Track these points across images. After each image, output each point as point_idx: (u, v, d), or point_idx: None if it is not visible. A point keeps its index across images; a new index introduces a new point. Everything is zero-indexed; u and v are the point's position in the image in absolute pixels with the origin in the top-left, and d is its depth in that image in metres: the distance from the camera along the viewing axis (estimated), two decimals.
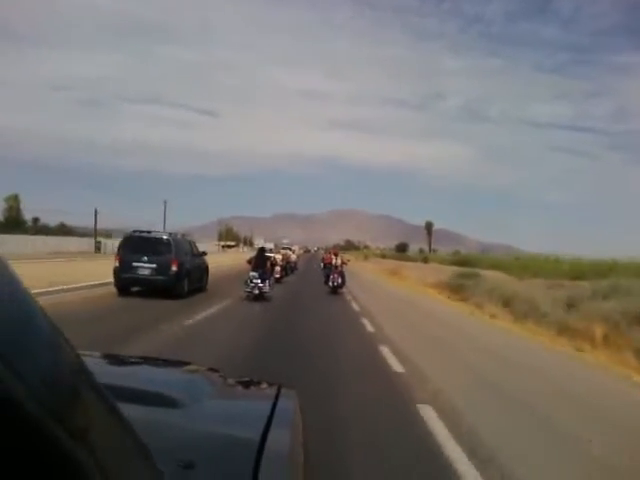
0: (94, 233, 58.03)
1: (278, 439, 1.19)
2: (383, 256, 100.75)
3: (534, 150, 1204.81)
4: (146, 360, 2.22)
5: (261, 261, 15.67)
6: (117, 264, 13.68)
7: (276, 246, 43.47)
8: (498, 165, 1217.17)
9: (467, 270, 30.75)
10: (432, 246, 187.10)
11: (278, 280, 23.51)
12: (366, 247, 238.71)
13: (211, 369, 1.84)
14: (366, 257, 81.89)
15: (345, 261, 21.12)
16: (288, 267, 29.20)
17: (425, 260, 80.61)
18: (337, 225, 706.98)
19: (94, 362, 1.53)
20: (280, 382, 1.70)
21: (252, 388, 1.85)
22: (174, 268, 13.71)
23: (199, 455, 0.96)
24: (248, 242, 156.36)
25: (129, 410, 0.84)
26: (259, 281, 14.93)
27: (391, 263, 56.69)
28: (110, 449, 0.52)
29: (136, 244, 13.91)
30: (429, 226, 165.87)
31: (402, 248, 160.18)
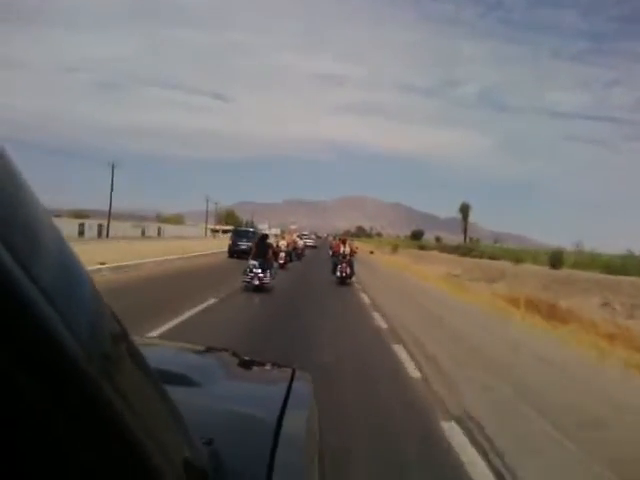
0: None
1: (294, 421, 1.20)
2: (421, 247, 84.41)
3: (551, 139, 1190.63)
4: (159, 342, 2.18)
5: (262, 249, 14.36)
6: (230, 242, 27.07)
7: (282, 232, 42.49)
8: (514, 154, 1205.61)
9: (564, 274, 26.75)
10: (442, 235, 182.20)
11: (282, 266, 22.51)
12: (378, 234, 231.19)
13: (224, 349, 1.87)
14: (395, 248, 62.94)
15: (354, 249, 19.34)
16: (294, 254, 28.18)
17: (464, 253, 65.52)
18: (347, 212, 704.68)
19: None
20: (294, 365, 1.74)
21: (266, 369, 1.87)
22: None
23: (218, 433, 0.96)
24: (249, 227, 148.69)
25: None
26: (259, 271, 13.65)
27: (427, 257, 47.73)
28: (150, 413, 0.53)
29: (238, 233, 26.42)
30: (465, 210, 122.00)
31: (417, 236, 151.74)
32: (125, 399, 0.46)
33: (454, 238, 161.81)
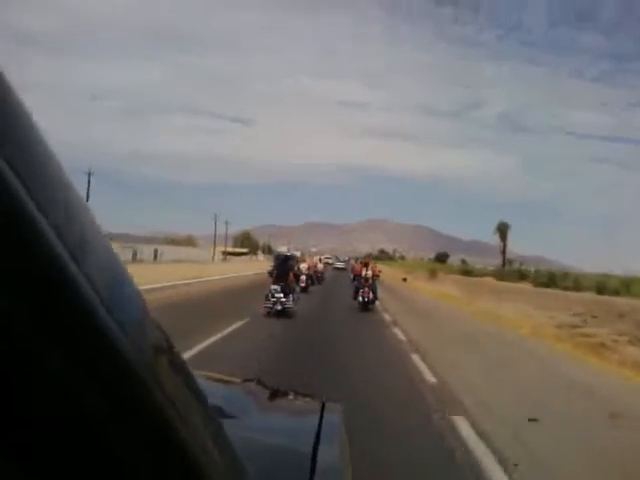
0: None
1: (329, 454, 1.20)
2: (466, 272, 72.13)
3: (572, 160, 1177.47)
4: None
5: (283, 272, 14.26)
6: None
7: (302, 255, 42.17)
8: (535, 176, 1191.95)
9: None
10: (465, 258, 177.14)
11: (304, 289, 22.34)
12: (402, 257, 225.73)
13: (250, 379, 1.85)
14: (433, 273, 50.15)
15: (377, 272, 18.57)
16: (315, 277, 28.12)
17: (543, 283, 51.27)
18: (369, 235, 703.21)
19: None
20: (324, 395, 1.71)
21: (296, 400, 1.85)
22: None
23: (256, 464, 0.93)
24: (266, 249, 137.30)
25: None
26: (281, 295, 13.53)
27: (484, 288, 34.72)
28: (191, 414, 0.52)
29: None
30: (503, 229, 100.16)
31: (442, 258, 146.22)
32: (174, 406, 0.45)
33: (477, 260, 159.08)
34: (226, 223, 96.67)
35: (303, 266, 24.08)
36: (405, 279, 46.10)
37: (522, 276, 57.66)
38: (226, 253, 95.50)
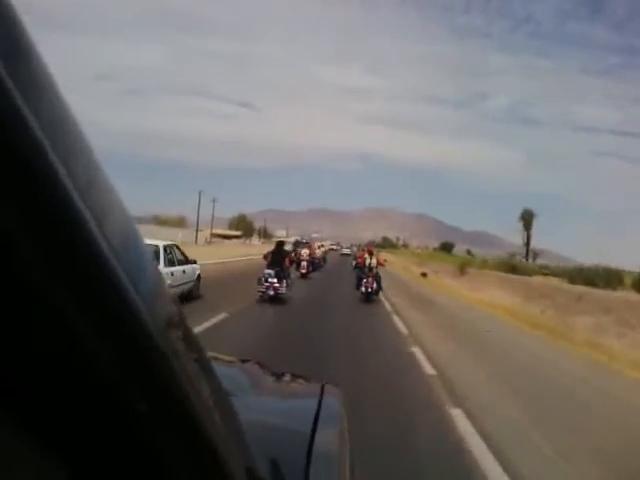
0: None
1: (327, 436, 1.20)
2: (512, 268, 45.76)
3: (579, 154, 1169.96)
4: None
5: (279, 257, 13.63)
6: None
7: (312, 240, 41.20)
8: (541, 168, 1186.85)
9: None
10: (468, 248, 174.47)
11: (304, 275, 21.76)
12: (405, 246, 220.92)
13: (248, 360, 1.86)
14: (463, 268, 38.55)
15: (382, 261, 17.21)
16: (314, 263, 27.37)
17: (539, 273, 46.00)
18: (372, 222, 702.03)
19: None
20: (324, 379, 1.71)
21: (295, 382, 1.85)
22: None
23: (253, 445, 0.91)
24: (262, 233, 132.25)
25: None
26: (275, 280, 13.01)
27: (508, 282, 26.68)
28: (202, 387, 0.53)
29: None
30: (528, 218, 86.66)
31: (447, 248, 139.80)
32: (186, 377, 0.44)
33: (479, 251, 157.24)
34: (213, 202, 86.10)
35: (304, 252, 23.27)
36: (425, 275, 36.50)
37: (588, 279, 36.15)
38: (212, 235, 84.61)
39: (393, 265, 47.80)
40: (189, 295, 12.04)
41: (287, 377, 1.84)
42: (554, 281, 33.28)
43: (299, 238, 55.51)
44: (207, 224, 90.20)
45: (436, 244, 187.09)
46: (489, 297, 20.74)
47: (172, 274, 10.69)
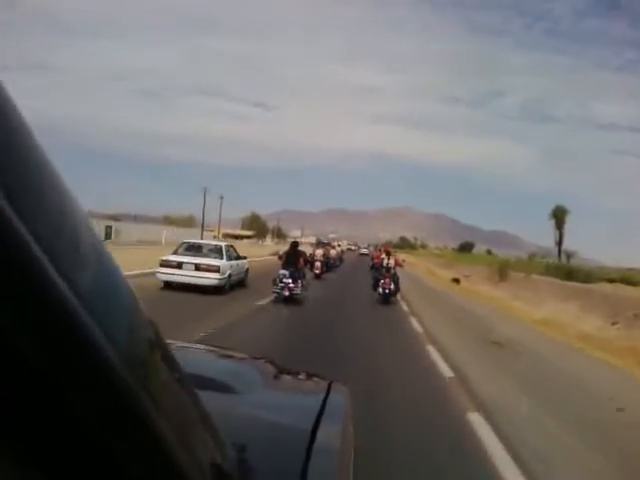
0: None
1: (328, 434, 1.20)
2: (568, 274, 33.33)
3: (595, 152, 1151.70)
4: (201, 347, 2.26)
5: (293, 258, 13.48)
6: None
7: (332, 241, 40.98)
8: (558, 167, 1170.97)
9: None
10: (488, 248, 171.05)
11: (318, 276, 21.51)
12: (423, 246, 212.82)
13: (262, 357, 1.87)
14: (503, 272, 29.30)
15: (400, 262, 16.90)
16: (328, 264, 27.21)
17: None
18: (389, 223, 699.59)
19: None
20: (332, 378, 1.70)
21: (303, 380, 1.86)
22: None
23: (252, 440, 0.99)
24: (275, 233, 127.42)
25: None
26: (290, 281, 12.88)
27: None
28: (180, 416, 0.54)
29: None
30: (560, 215, 78.29)
31: (467, 248, 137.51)
32: (158, 405, 0.46)
33: (498, 251, 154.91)
34: (220, 198, 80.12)
35: (318, 252, 23.00)
36: (457, 281, 30.47)
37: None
38: (219, 235, 79.09)
39: (415, 267, 46.20)
40: (241, 283, 15.66)
41: (296, 374, 1.86)
42: (629, 290, 24.11)
43: (321, 239, 54.95)
44: (222, 223, 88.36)
45: (454, 244, 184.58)
46: (556, 314, 15.35)
47: (230, 266, 14.45)
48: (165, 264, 13.43)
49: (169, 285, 13.34)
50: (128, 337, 0.44)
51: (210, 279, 13.34)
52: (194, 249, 14.75)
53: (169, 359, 0.53)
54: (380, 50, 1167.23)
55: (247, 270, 16.34)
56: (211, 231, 76.55)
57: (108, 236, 41.08)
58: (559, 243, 76.38)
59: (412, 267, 43.33)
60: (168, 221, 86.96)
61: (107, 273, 0.44)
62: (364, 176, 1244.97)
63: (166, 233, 55.95)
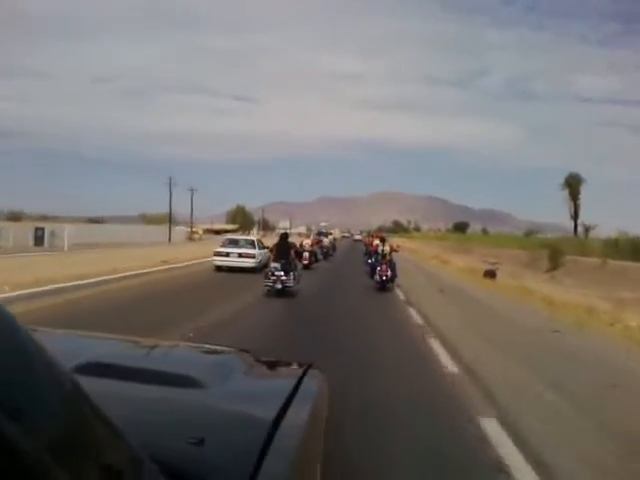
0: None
1: (295, 417, 1.21)
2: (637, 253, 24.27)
3: (581, 126, 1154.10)
4: (181, 344, 2.41)
5: (284, 250, 13.16)
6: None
7: (308, 230, 40.43)
8: (545, 142, 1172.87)
9: None
10: (479, 227, 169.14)
11: (307, 266, 21.20)
12: (417, 229, 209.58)
13: (243, 350, 1.87)
14: (555, 257, 24.15)
15: (395, 248, 16.61)
16: (320, 253, 26.88)
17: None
18: (380, 208, 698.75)
19: (132, 347, 1.81)
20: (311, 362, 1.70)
21: (281, 368, 1.86)
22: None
23: (211, 433, 1.00)
24: (261, 225, 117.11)
25: (152, 392, 1.20)
26: (282, 273, 12.55)
27: None
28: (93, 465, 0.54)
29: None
30: (574, 184, 67.99)
31: (461, 228, 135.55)
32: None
33: (491, 229, 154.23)
34: (191, 191, 71.52)
35: (306, 242, 22.70)
36: (492, 274, 21.84)
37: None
38: (198, 232, 71.00)
39: (418, 255, 38.43)
40: (266, 265, 16.18)
41: (275, 364, 1.86)
42: None
43: (313, 228, 54.27)
44: (202, 220, 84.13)
45: (447, 225, 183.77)
46: None
47: (261, 254, 19.30)
48: (217, 254, 19.38)
49: (219, 268, 18.90)
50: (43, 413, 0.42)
51: (249, 263, 18.91)
52: (235, 243, 20.11)
53: (90, 409, 0.51)
54: (359, 35, 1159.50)
55: (269, 257, 16.63)
56: (190, 227, 70.66)
57: (39, 241, 34.03)
58: (575, 215, 66.85)
59: (414, 254, 37.97)
60: (145, 220, 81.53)
61: (13, 348, 0.43)
62: (353, 163, 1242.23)
63: (158, 231, 52.32)
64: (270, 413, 1.16)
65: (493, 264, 25.08)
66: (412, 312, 11.06)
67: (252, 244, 19.93)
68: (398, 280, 15.77)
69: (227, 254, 19.15)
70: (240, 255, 19.00)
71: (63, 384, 0.48)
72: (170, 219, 62.55)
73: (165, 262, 20.18)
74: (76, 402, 0.49)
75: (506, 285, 18.14)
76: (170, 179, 64.64)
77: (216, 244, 21.61)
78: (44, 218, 70.18)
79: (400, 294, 14.38)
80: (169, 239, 53.82)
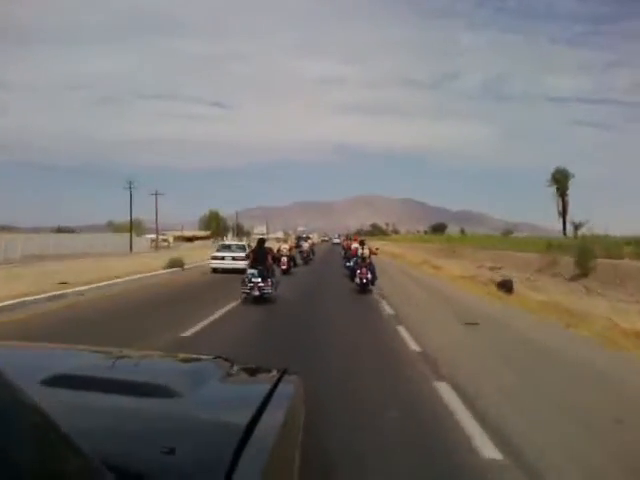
0: None
1: (269, 423, 1.20)
2: None
3: (554, 125, 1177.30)
4: (156, 354, 2.28)
5: (261, 255, 12.63)
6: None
7: (286, 234, 39.96)
8: (519, 143, 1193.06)
9: None
10: (456, 228, 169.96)
11: (285, 272, 20.69)
12: (395, 232, 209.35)
13: (220, 357, 1.84)
14: (585, 261, 17.29)
15: (374, 251, 17.07)
16: (300, 257, 26.68)
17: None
18: (358, 211, 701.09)
19: (105, 358, 1.77)
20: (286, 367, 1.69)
21: (257, 374, 1.85)
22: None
23: (183, 442, 1.00)
24: (235, 231, 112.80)
25: (125, 402, 1.19)
26: (259, 280, 11.99)
27: None
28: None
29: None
30: (562, 179, 65.18)
31: (439, 229, 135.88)
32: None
33: (468, 230, 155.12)
34: (155, 194, 67.83)
35: (284, 247, 22.28)
36: (509, 286, 16.52)
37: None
38: (157, 240, 66.98)
39: (402, 260, 34.66)
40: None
41: (251, 370, 1.86)
42: None
43: (290, 233, 54.02)
44: (175, 227, 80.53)
45: (425, 227, 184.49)
46: None
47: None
48: (214, 258, 21.85)
49: (215, 270, 21.06)
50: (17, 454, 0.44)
51: (242, 265, 18.90)
52: (227, 248, 22.88)
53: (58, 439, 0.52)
54: (335, 41, 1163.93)
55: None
56: (156, 234, 67.64)
57: None
58: (563, 212, 61.78)
59: (399, 259, 35.09)
60: (112, 228, 78.42)
61: None
62: (329, 167, 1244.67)
63: (119, 241, 48.18)
64: (244, 419, 1.15)
65: (493, 269, 21.97)
66: (459, 411, 4.63)
67: (243, 248, 22.28)
68: (397, 306, 11.88)
69: (222, 258, 21.66)
70: (234, 258, 21.21)
71: (29, 415, 0.48)
72: (131, 226, 58.53)
73: (64, 284, 13.33)
74: (45, 433, 0.49)
75: (535, 302, 13.23)
76: (130, 183, 60.16)
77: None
78: (2, 229, 65.86)
79: (410, 341, 7.93)
80: (130, 248, 50.30)
